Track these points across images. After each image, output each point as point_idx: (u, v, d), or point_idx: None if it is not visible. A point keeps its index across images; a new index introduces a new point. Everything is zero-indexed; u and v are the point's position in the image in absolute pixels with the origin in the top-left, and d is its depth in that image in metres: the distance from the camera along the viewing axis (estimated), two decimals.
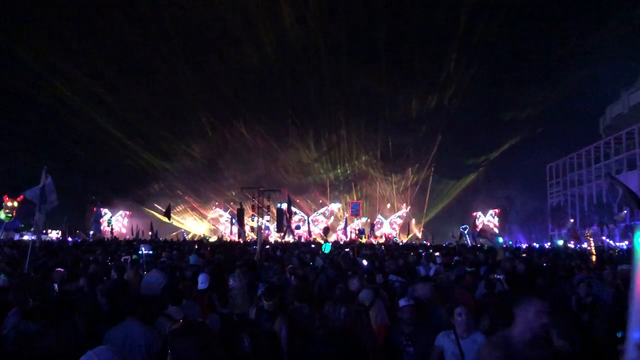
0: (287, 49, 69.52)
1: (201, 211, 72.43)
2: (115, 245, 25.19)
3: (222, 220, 70.33)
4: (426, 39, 68.28)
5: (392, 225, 70.47)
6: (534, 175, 69.46)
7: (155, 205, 64.88)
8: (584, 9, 52.76)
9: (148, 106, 67.17)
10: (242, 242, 34.60)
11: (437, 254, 18.20)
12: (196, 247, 23.71)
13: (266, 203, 54.29)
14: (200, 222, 72.14)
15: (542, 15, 62.25)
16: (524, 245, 41.79)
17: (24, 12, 58.29)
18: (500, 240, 44.55)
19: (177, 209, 67.17)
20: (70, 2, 61.12)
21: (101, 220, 45.56)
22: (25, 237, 41.59)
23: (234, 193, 65.60)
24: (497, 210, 67.29)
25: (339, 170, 73.53)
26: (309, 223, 51.15)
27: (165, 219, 39.63)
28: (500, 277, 8.38)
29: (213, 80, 69.30)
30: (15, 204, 16.53)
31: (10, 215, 16.76)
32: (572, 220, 62.31)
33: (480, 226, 41.78)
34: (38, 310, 5.20)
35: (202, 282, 8.09)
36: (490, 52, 65.06)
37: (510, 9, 61.17)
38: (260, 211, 51.62)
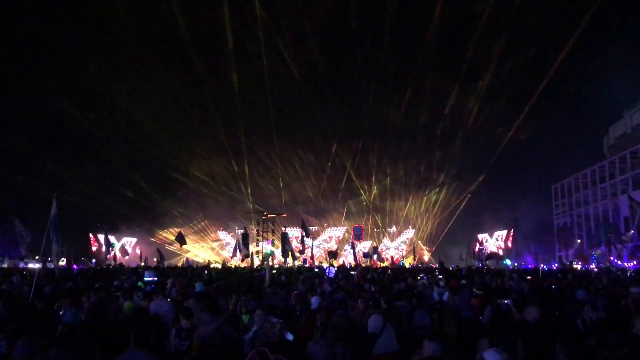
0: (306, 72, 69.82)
1: (206, 236, 72.21)
2: (120, 272, 25.06)
3: (226, 245, 70.13)
4: (429, 62, 68.54)
5: (397, 248, 70.12)
6: (539, 196, 69.26)
7: (161, 233, 65.18)
8: (586, 30, 53.14)
9: (156, 131, 67.68)
10: (247, 267, 34.47)
11: (440, 277, 17.98)
12: (206, 272, 23.54)
13: (271, 227, 54.24)
14: (205, 248, 71.78)
15: (545, 36, 62.68)
16: (531, 267, 41.44)
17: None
18: (508, 262, 44.33)
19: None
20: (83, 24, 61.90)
21: (111, 249, 45.54)
22: (31, 266, 41.59)
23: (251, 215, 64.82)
24: (503, 234, 66.84)
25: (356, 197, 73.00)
26: (312, 248, 50.94)
27: (174, 246, 39.65)
28: (509, 302, 8.30)
29: (226, 102, 69.58)
30: None
31: None
32: (579, 241, 61.91)
33: (488, 250, 41.38)
34: (66, 338, 5.32)
35: None
36: (496, 72, 65.31)
37: (514, 31, 61.78)
38: (265, 236, 51.61)
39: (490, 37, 64.82)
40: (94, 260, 46.68)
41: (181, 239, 35.63)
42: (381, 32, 70.00)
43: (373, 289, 13.46)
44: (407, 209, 71.45)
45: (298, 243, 42.56)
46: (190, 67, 69.71)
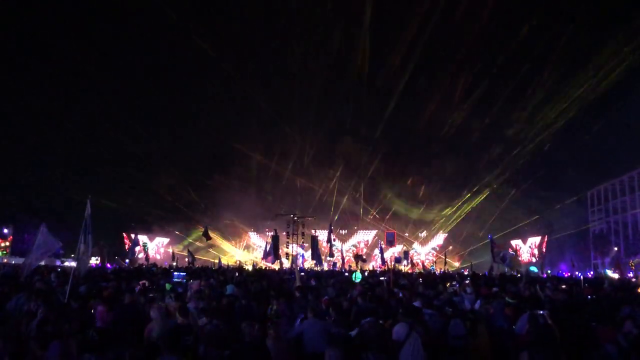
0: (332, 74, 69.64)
1: (236, 237, 72.68)
2: (154, 273, 25.23)
3: (257, 247, 70.52)
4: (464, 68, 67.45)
5: (427, 253, 69.45)
6: (575, 202, 67.48)
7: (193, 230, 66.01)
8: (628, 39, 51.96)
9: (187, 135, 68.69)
10: (277, 270, 34.54)
11: (467, 282, 17.47)
12: (237, 274, 23.38)
13: (300, 230, 54.10)
14: (236, 249, 72.21)
15: (586, 46, 61.24)
16: (566, 275, 40.42)
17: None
18: (535, 269, 43.18)
19: (213, 235, 67.59)
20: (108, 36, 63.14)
21: (137, 249, 46.26)
22: (67, 264, 42.51)
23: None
24: (537, 240, 65.48)
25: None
26: (342, 251, 50.76)
27: (199, 242, 39.93)
28: (544, 312, 8.07)
29: (257, 106, 70.18)
30: None
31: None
32: (615, 249, 60.20)
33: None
34: (97, 343, 5.48)
35: None
36: (533, 82, 64.22)
37: (559, 40, 60.90)
38: (294, 238, 51.52)
39: (541, 49, 64.18)
40: (127, 260, 47.41)
41: (206, 234, 36.26)
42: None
43: (401, 295, 13.22)
44: (440, 214, 70.80)
45: (326, 244, 42.74)
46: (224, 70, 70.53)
